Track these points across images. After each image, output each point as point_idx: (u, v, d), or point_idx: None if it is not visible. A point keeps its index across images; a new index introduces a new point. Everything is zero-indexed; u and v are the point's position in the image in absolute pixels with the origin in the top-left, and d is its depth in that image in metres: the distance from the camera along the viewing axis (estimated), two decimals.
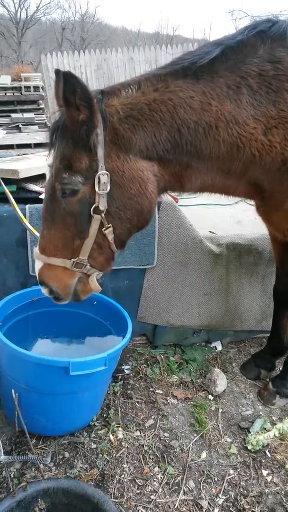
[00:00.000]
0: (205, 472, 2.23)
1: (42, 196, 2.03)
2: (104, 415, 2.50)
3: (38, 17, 29.40)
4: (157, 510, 2.03)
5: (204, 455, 2.33)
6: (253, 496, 2.12)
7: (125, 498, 2.06)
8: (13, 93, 9.51)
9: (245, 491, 2.14)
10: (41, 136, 7.46)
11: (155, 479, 2.17)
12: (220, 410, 2.63)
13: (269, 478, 2.22)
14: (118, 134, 1.55)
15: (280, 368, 2.87)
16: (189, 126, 1.58)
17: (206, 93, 1.56)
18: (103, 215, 1.59)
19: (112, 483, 2.12)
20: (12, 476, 2.09)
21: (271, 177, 1.73)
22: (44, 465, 2.14)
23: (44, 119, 9.25)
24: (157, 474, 2.20)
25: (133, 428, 2.44)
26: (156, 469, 2.23)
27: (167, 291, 2.91)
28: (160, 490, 2.12)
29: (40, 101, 9.95)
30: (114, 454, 2.27)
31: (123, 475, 2.17)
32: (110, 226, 1.63)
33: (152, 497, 2.08)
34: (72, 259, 1.67)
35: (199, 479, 2.19)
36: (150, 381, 2.80)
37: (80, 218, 1.60)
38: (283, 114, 1.59)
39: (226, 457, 2.33)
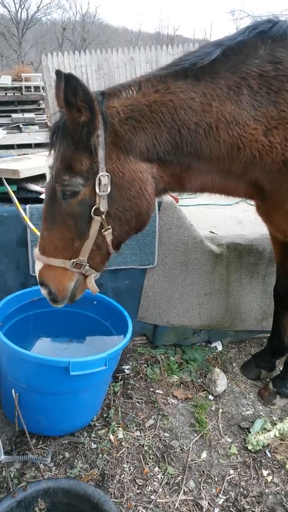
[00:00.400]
0: (205, 472, 2.23)
1: (43, 196, 2.03)
2: (104, 415, 2.50)
3: (39, 17, 29.36)
4: (157, 510, 2.03)
5: (204, 455, 2.33)
6: (253, 496, 2.12)
7: (125, 498, 2.06)
8: (14, 93, 9.51)
9: (245, 491, 2.14)
10: (42, 136, 7.48)
11: (155, 479, 2.18)
12: (221, 410, 2.63)
13: (269, 478, 2.22)
14: (118, 135, 1.55)
15: (281, 368, 2.87)
16: (190, 127, 1.58)
17: (207, 94, 1.56)
18: (103, 216, 1.60)
19: (112, 483, 2.12)
20: (12, 476, 2.09)
21: (272, 178, 1.73)
22: (44, 465, 2.14)
23: (44, 119, 9.27)
24: (157, 474, 2.20)
25: (133, 428, 2.44)
26: (156, 469, 2.23)
27: (168, 291, 2.91)
28: (160, 490, 2.12)
29: (41, 101, 9.95)
30: (114, 454, 2.28)
31: (123, 475, 2.17)
32: (109, 228, 1.64)
33: (152, 497, 2.08)
34: (72, 260, 1.67)
35: (199, 479, 2.20)
36: (150, 381, 2.80)
37: (81, 219, 1.60)
38: (284, 115, 1.59)
39: (226, 457, 2.33)
